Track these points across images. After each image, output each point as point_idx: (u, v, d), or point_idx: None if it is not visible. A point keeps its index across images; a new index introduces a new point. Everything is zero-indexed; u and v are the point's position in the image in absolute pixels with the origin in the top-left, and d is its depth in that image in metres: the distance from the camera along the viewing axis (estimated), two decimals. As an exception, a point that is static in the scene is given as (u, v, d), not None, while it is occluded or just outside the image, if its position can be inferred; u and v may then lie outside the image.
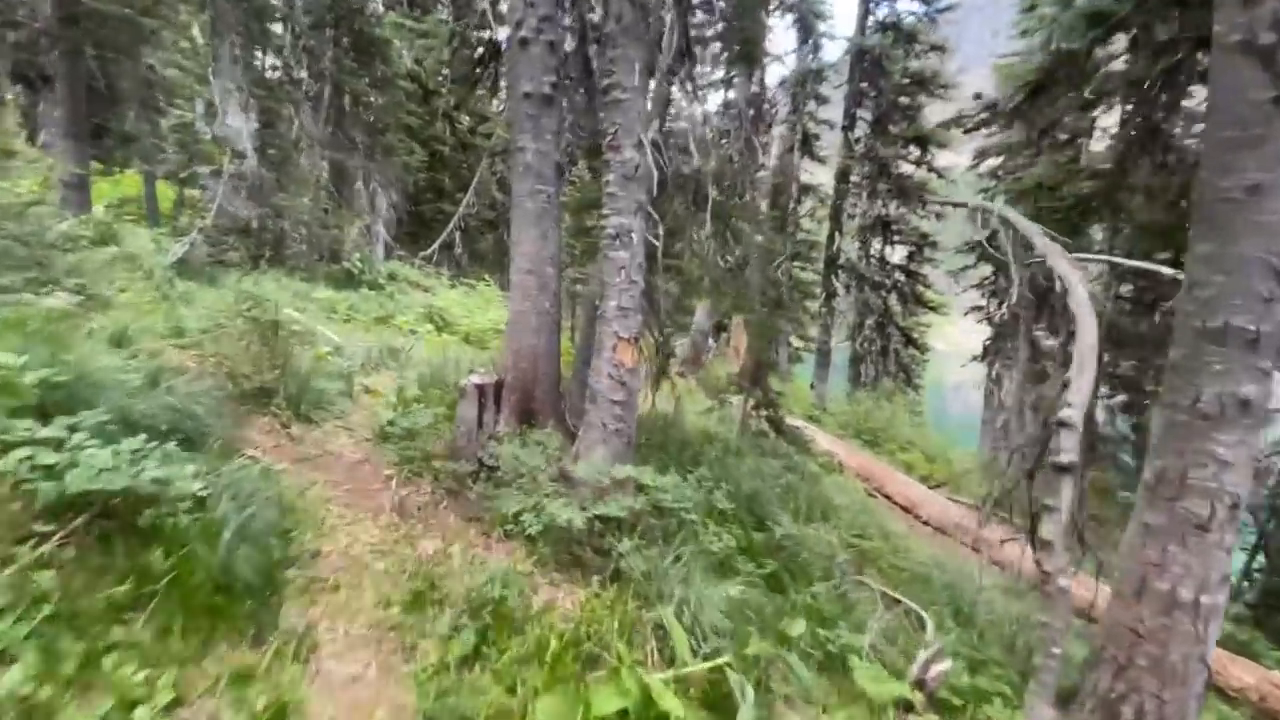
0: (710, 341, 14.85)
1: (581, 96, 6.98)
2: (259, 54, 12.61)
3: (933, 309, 22.40)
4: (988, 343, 21.54)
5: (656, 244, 4.52)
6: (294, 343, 5.24)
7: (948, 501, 9.80)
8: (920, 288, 22.03)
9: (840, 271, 19.63)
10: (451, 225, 18.84)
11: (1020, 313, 16.81)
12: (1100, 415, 12.09)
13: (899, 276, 21.68)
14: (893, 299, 21.94)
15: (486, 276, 15.71)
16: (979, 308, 22.19)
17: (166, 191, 13.33)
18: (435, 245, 18.68)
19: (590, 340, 6.42)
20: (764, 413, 8.78)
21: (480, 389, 4.42)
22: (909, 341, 22.72)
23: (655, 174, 4.32)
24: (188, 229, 9.77)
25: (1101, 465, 11.86)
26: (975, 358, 22.30)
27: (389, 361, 7.96)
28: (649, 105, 4.33)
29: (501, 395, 4.77)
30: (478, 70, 7.49)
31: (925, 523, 9.47)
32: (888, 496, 10.14)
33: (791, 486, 6.90)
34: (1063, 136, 13.03)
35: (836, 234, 19.08)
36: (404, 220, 17.18)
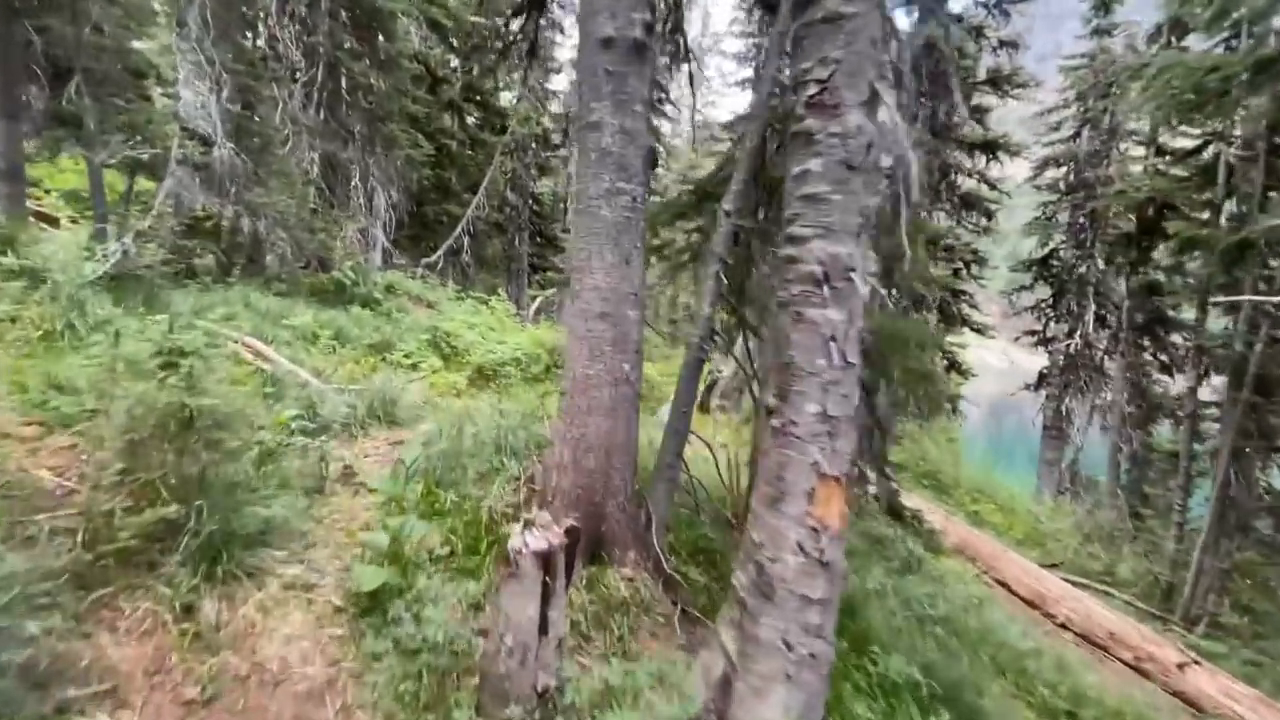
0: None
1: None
2: (239, 25, 10.52)
3: (978, 331, 20.32)
4: (1046, 370, 19.53)
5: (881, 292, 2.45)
6: (223, 432, 3.13)
7: (1090, 599, 7.69)
8: (967, 308, 19.97)
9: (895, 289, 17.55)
10: (459, 229, 16.76)
11: (1105, 344, 14.16)
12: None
13: (944, 295, 19.66)
14: (932, 319, 19.93)
15: (500, 290, 13.64)
16: (1032, 332, 20.20)
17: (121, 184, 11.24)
18: (440, 252, 16.60)
19: (685, 414, 4.30)
20: (875, 489, 6.69)
21: (546, 560, 2.32)
22: (951, 365, 20.63)
23: (911, 157, 2.25)
24: (132, 230, 7.65)
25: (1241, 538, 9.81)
26: (1028, 386, 20.31)
27: (384, 415, 5.87)
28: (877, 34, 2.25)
29: (574, 558, 2.67)
30: (515, 23, 5.41)
31: (1062, 625, 7.40)
32: (1004, 584, 8.05)
33: (953, 622, 4.84)
34: (1187, 145, 11.02)
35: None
36: (405, 222, 15.07)
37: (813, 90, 2.18)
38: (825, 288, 2.17)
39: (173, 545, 2.69)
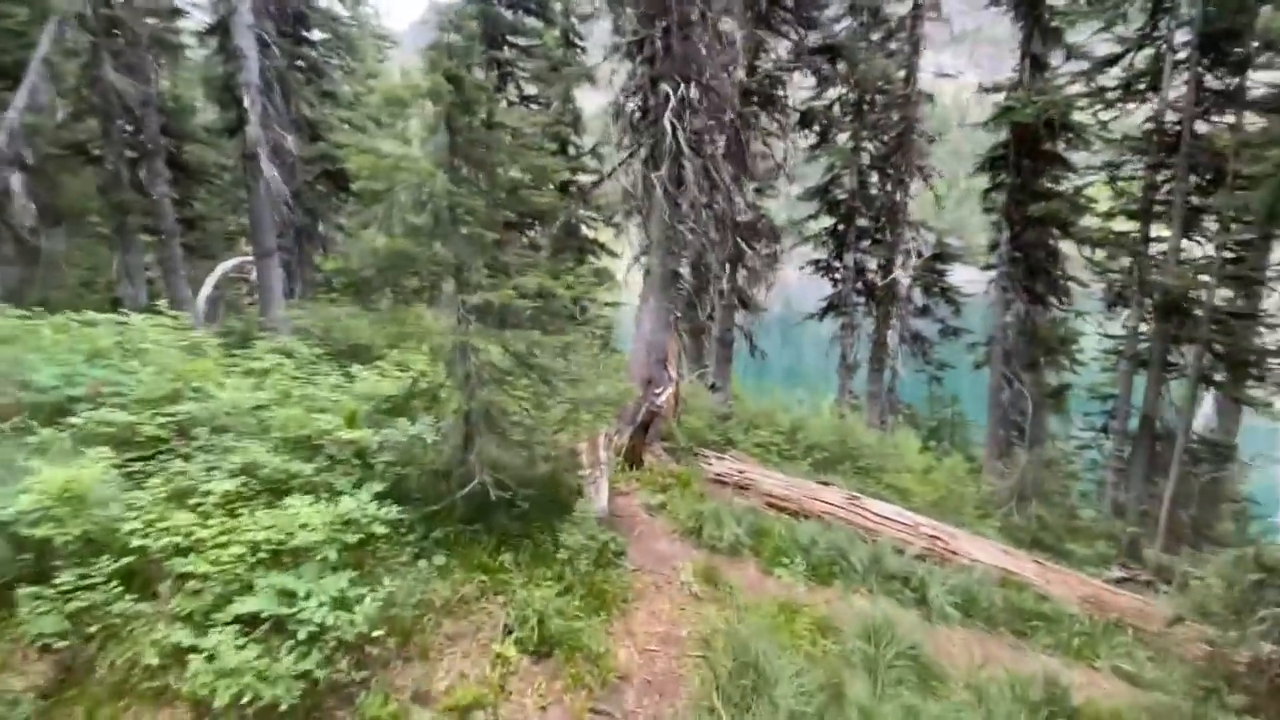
0: (669, 372, 8.06)
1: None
2: None
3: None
4: (836, 300, 18.81)
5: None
6: None
7: None
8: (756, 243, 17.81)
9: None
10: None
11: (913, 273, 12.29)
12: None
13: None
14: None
15: (163, 308, 6.14)
16: (817, 262, 19.26)
17: None
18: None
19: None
20: None
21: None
22: (742, 303, 18.58)
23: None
24: None
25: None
26: (812, 316, 19.54)
27: None
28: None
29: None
30: None
31: None
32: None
33: None
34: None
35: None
36: None
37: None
38: None
39: None
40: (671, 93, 7.39)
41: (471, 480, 4.24)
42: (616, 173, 8.24)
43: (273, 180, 9.73)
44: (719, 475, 7.79)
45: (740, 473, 7.83)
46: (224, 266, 10.77)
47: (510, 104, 4.13)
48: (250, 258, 10.76)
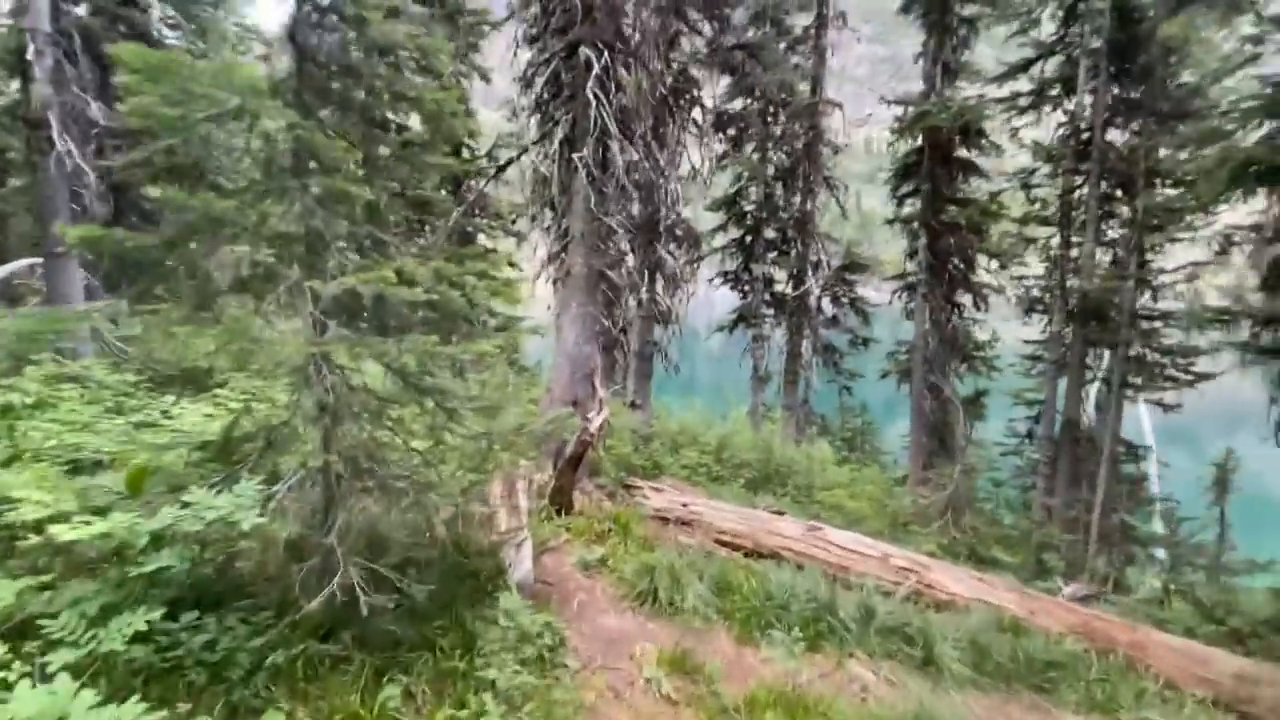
0: (598, 391, 6.71)
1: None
2: None
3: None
4: (746, 312, 18.33)
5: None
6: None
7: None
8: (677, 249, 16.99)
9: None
10: None
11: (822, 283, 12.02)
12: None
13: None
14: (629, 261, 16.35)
15: None
16: (726, 274, 18.70)
17: None
18: None
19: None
20: None
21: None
22: (660, 314, 17.68)
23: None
24: None
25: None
26: (722, 328, 18.95)
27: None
28: None
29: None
30: None
31: None
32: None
33: None
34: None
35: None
36: None
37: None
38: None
39: None
40: (595, 59, 6.15)
41: (333, 574, 2.65)
42: (529, 153, 6.85)
43: (68, 157, 7.36)
44: (659, 510, 6.55)
45: (683, 506, 6.62)
46: (2, 271, 8.10)
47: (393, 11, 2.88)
48: (40, 260, 8.17)
